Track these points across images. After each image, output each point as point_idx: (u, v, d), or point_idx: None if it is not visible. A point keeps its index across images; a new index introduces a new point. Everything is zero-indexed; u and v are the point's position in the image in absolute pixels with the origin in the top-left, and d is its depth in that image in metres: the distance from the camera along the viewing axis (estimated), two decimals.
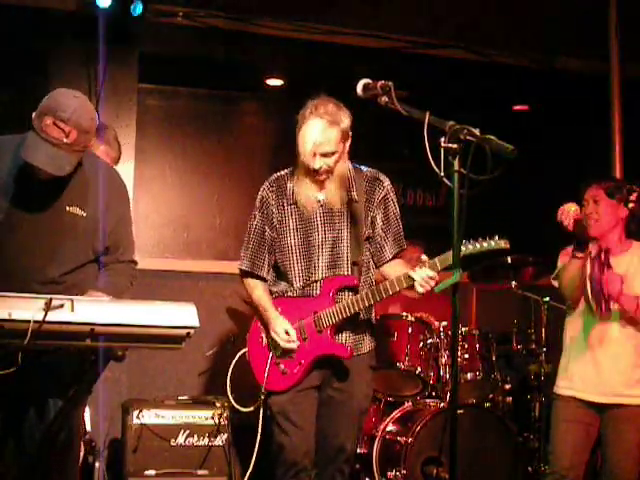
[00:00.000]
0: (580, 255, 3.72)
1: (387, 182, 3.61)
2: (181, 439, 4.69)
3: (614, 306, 3.75)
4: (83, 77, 5.27)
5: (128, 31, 5.27)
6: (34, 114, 2.92)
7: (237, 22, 5.59)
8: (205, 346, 5.27)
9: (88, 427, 4.17)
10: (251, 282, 3.66)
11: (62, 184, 3.04)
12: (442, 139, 2.56)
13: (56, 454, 3.01)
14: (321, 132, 3.38)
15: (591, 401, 3.79)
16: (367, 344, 3.62)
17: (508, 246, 3.41)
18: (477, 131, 2.56)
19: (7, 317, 2.41)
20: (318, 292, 3.52)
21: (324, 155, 3.41)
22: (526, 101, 6.48)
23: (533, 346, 5.11)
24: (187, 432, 4.70)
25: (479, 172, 2.51)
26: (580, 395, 3.82)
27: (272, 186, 3.61)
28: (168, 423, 4.70)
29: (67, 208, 3.05)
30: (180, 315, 2.60)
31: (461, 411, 4.32)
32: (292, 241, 3.54)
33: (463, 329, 4.68)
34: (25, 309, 2.43)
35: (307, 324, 3.50)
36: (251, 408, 3.55)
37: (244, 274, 3.68)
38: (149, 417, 4.68)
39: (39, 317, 2.42)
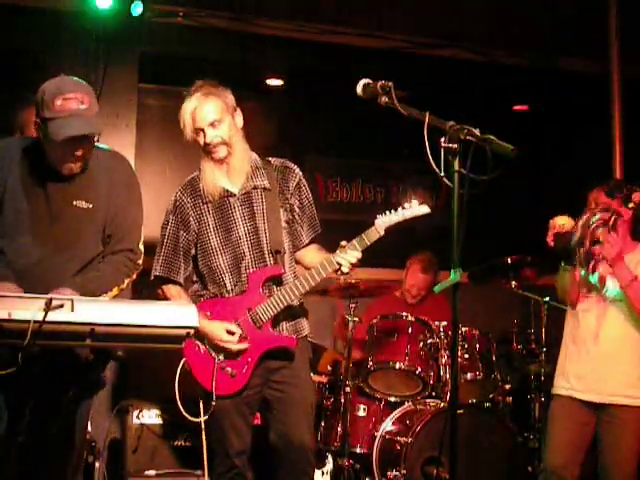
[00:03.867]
0: (569, 268, 3.74)
1: (297, 169, 3.61)
2: (181, 439, 4.69)
3: (604, 270, 3.72)
4: (83, 77, 5.25)
5: (128, 31, 5.27)
6: (40, 114, 2.93)
7: (237, 22, 5.59)
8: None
9: (88, 427, 4.17)
10: (172, 289, 3.52)
11: (70, 180, 3.05)
12: (442, 139, 2.57)
13: (57, 455, 3.01)
14: (198, 103, 3.40)
15: (587, 401, 3.78)
16: (305, 329, 3.56)
17: (429, 210, 3.38)
18: (477, 131, 2.56)
19: (7, 317, 2.41)
20: (246, 288, 3.45)
21: (212, 125, 3.40)
22: (526, 101, 6.49)
23: (533, 346, 5.11)
24: (187, 432, 4.70)
25: (479, 172, 2.51)
26: (577, 395, 3.81)
27: (186, 189, 3.53)
28: (168, 423, 4.70)
29: (74, 202, 3.06)
30: (180, 315, 2.60)
31: (461, 411, 4.31)
32: (214, 241, 3.47)
33: (463, 329, 4.68)
34: (25, 309, 2.43)
35: (244, 322, 3.41)
36: (203, 418, 3.39)
37: (160, 281, 3.53)
38: (149, 417, 4.68)
39: (39, 317, 2.42)
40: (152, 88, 5.85)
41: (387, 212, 3.38)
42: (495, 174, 2.48)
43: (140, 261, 3.22)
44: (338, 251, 3.36)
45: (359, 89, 2.85)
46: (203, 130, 3.41)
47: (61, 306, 2.47)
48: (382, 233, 3.36)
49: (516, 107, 6.56)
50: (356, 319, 4.56)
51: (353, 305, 4.59)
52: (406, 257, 5.42)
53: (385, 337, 4.68)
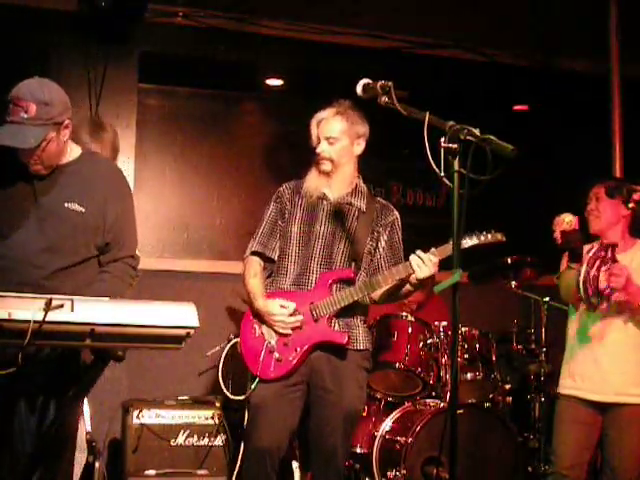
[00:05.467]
0: (574, 266, 3.74)
1: (397, 213, 3.80)
2: (181, 439, 4.69)
3: (618, 297, 3.72)
4: (83, 77, 5.27)
5: (128, 31, 5.27)
6: None
7: (237, 22, 5.59)
8: (205, 346, 5.27)
9: (88, 427, 4.17)
10: (253, 267, 3.72)
11: (62, 181, 3.08)
12: (442, 139, 2.57)
13: (49, 454, 3.01)
14: (326, 114, 3.67)
15: (593, 400, 3.79)
16: (361, 342, 3.65)
17: (504, 239, 3.46)
18: (477, 131, 2.56)
19: (7, 317, 2.41)
20: (313, 285, 3.59)
21: (327, 139, 3.63)
22: (526, 101, 6.48)
23: (533, 346, 5.11)
24: (187, 432, 4.70)
25: (479, 172, 2.51)
26: (582, 394, 3.82)
27: (290, 184, 3.82)
28: (168, 423, 4.71)
29: (65, 204, 3.08)
30: (180, 315, 2.60)
31: (461, 411, 4.31)
32: (295, 228, 3.68)
33: (463, 329, 4.68)
34: (25, 309, 2.42)
35: (303, 313, 3.57)
36: (243, 396, 3.58)
37: (252, 254, 3.74)
38: (149, 417, 4.68)
39: (39, 317, 2.42)
40: (152, 88, 5.84)
41: (464, 235, 3.49)
42: (495, 174, 2.48)
43: (138, 267, 3.29)
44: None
45: (359, 89, 2.86)
46: (320, 141, 3.66)
47: (61, 306, 2.46)
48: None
49: (516, 107, 6.55)
50: None
51: None
52: (406, 257, 5.41)
53: (385, 337, 4.67)
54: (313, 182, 3.70)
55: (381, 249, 3.71)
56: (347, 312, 3.60)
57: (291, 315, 3.56)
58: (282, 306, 3.56)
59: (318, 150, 3.66)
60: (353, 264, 3.63)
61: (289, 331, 3.56)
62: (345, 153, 3.67)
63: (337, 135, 3.64)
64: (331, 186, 3.69)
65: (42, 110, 2.95)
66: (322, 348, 3.56)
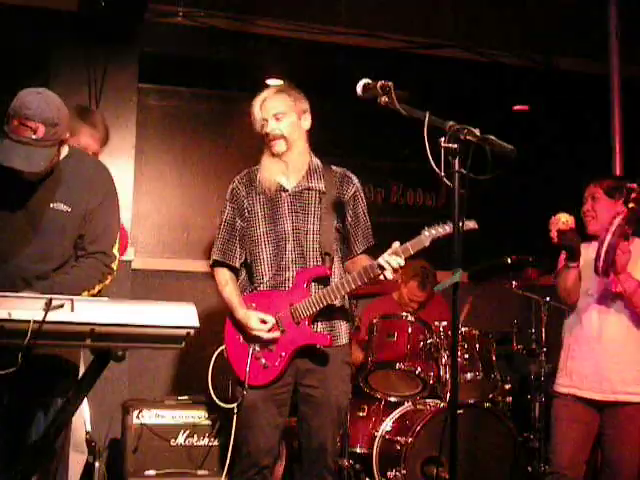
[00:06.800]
0: (572, 265, 3.74)
1: (356, 180, 3.72)
2: (181, 439, 4.69)
3: (618, 287, 3.71)
4: (83, 77, 5.27)
5: (128, 31, 5.27)
6: (5, 121, 2.94)
7: (237, 22, 5.59)
8: (205, 346, 5.26)
9: (88, 427, 4.17)
10: (223, 276, 3.66)
11: (47, 181, 3.06)
12: (442, 139, 2.57)
13: (48, 454, 3.00)
14: (268, 93, 3.61)
15: (590, 399, 3.79)
16: (343, 337, 3.64)
17: (477, 227, 3.40)
18: (477, 131, 2.57)
19: (7, 317, 2.41)
20: (290, 285, 3.55)
21: (274, 116, 3.56)
22: (526, 101, 6.48)
23: (533, 346, 5.11)
24: (187, 432, 4.70)
25: (479, 172, 2.51)
26: (579, 393, 3.82)
27: (242, 178, 3.73)
28: (168, 423, 4.70)
29: (51, 205, 3.06)
30: (180, 315, 2.60)
31: (461, 411, 4.31)
32: (261, 229, 3.61)
33: (463, 329, 4.67)
34: (25, 309, 2.43)
35: (284, 316, 3.52)
36: (233, 405, 3.54)
37: (216, 264, 3.69)
38: (149, 417, 4.68)
39: (39, 317, 2.42)
40: (152, 88, 5.84)
41: (435, 224, 3.38)
42: (495, 174, 2.48)
43: (114, 265, 3.20)
44: (387, 253, 3.39)
45: (359, 89, 2.86)
46: (267, 121, 3.56)
47: (61, 306, 2.47)
48: (427, 244, 3.38)
49: (516, 107, 6.56)
50: (356, 319, 4.55)
51: (353, 306, 4.58)
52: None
53: (385, 337, 4.67)
54: (268, 169, 3.60)
55: (348, 225, 3.65)
56: (328, 308, 3.54)
57: (271, 330, 3.50)
58: (262, 321, 3.50)
59: (267, 130, 3.56)
60: (327, 257, 3.56)
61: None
62: (295, 128, 3.59)
63: (284, 109, 3.56)
64: (287, 171, 3.59)
65: (50, 131, 2.92)
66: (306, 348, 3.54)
